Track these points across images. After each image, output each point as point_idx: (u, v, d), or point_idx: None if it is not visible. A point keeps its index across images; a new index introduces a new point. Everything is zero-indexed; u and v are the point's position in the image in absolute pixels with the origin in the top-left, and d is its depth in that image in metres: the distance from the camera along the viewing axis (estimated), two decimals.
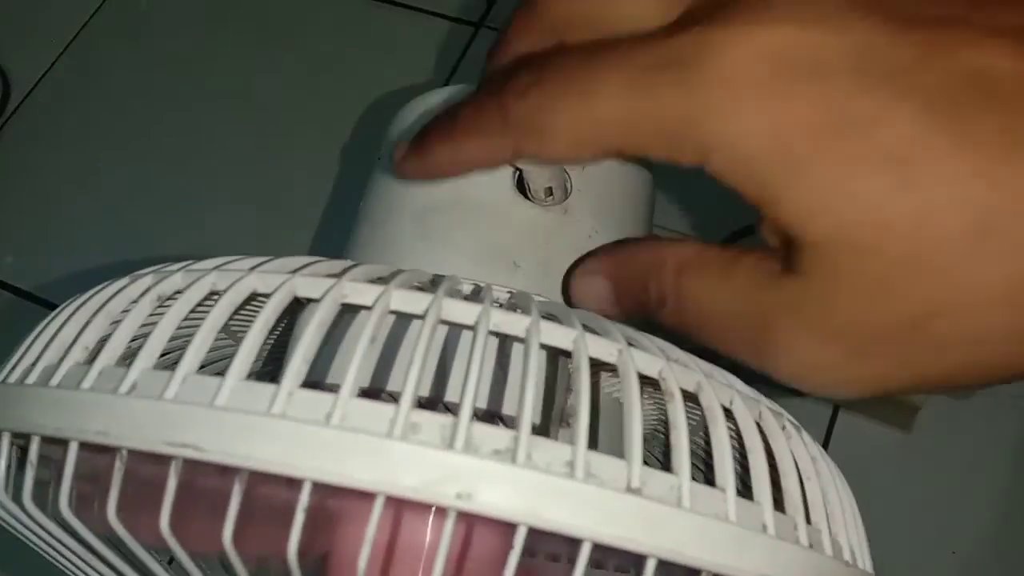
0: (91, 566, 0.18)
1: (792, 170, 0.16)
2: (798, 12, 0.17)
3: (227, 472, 0.15)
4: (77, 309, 0.19)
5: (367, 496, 0.14)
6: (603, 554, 0.26)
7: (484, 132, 0.20)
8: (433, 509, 0.20)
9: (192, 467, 0.15)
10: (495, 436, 0.15)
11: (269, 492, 0.18)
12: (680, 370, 0.18)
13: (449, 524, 0.14)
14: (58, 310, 0.20)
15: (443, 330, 0.21)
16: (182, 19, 0.66)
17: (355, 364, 0.15)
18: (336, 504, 0.21)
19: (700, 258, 0.20)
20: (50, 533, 0.17)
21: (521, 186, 0.24)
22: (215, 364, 0.27)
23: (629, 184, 0.26)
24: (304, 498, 0.14)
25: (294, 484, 0.15)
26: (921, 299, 0.16)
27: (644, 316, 0.21)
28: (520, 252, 0.24)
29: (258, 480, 0.15)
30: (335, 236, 0.54)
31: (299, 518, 0.14)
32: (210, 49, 0.64)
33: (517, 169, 0.24)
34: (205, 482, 0.18)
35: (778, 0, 0.17)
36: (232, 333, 0.27)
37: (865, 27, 0.17)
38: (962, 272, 0.16)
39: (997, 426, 0.46)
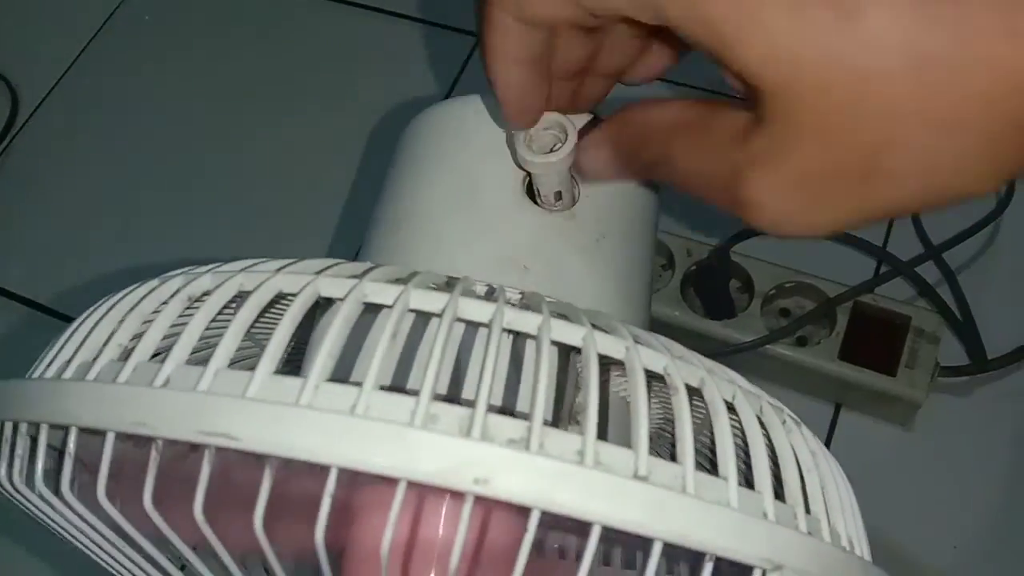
0: (124, 553, 0.19)
1: (742, 18, 0.17)
2: None
3: (254, 468, 0.16)
4: (109, 310, 0.20)
5: (386, 489, 0.15)
6: (610, 546, 0.27)
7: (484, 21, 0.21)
8: (445, 506, 0.21)
9: (221, 464, 0.16)
10: (510, 426, 0.16)
11: (294, 489, 0.19)
12: (684, 366, 0.19)
13: (467, 508, 0.15)
14: (90, 310, 0.21)
15: (458, 333, 0.22)
16: (188, 31, 0.67)
17: (378, 357, 0.16)
18: (354, 500, 0.21)
19: (683, 119, 0.21)
20: (87, 522, 0.18)
21: (531, 191, 0.25)
22: (239, 364, 0.28)
23: (632, 192, 0.27)
24: (331, 484, 0.15)
25: (319, 479, 0.15)
26: (872, 134, 0.17)
27: (644, 176, 0.22)
28: (530, 255, 0.24)
29: (284, 478, 0.16)
30: (351, 241, 0.55)
31: (326, 502, 0.15)
32: (217, 61, 0.65)
33: (527, 175, 0.25)
34: (233, 479, 0.18)
35: None
36: (252, 336, 0.27)
37: None
38: (907, 104, 0.16)
39: (997, 422, 0.46)
